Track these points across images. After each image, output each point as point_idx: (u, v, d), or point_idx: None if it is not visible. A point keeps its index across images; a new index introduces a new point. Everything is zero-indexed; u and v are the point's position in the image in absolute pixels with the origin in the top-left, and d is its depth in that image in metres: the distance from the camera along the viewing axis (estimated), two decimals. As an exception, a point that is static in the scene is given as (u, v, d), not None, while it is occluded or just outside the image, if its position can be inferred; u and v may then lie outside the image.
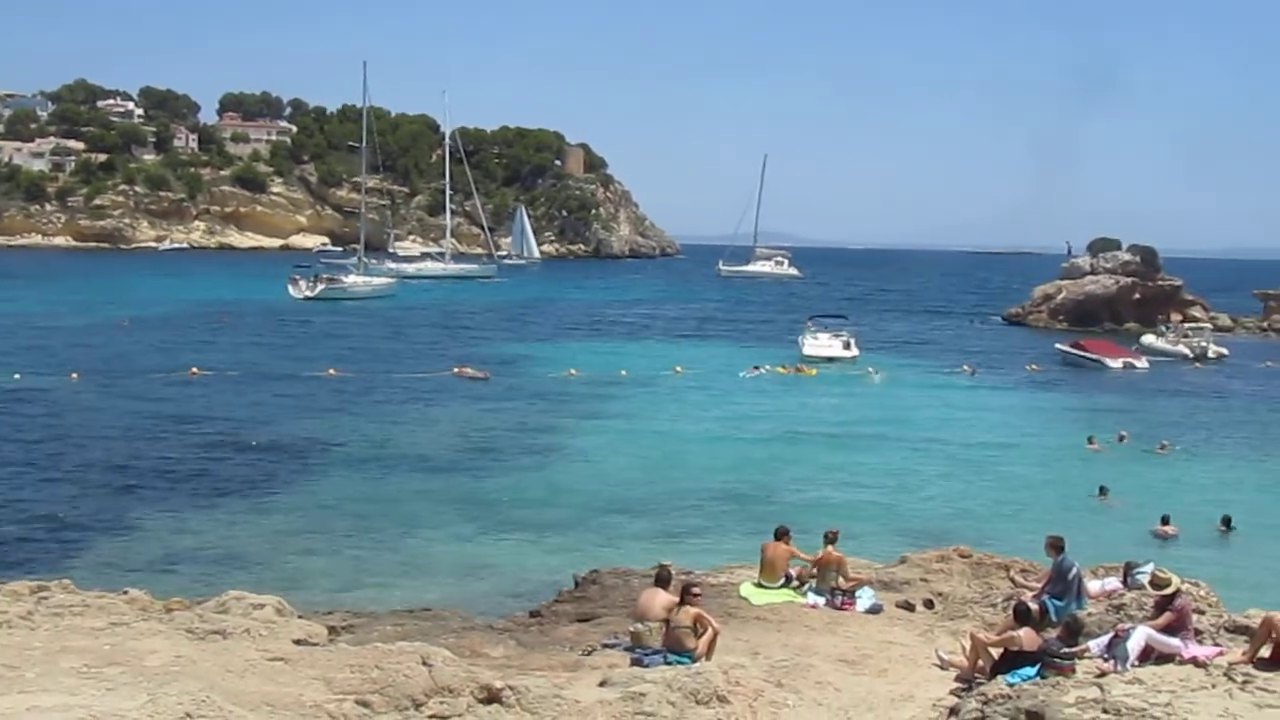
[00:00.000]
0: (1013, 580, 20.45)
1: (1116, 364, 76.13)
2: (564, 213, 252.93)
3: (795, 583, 20.12)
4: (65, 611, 15.12)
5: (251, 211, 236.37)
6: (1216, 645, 14.66)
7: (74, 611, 15.19)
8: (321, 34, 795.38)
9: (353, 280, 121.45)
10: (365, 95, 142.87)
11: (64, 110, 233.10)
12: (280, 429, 44.93)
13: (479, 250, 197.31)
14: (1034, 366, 74.40)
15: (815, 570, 20.02)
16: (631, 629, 16.67)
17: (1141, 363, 77.78)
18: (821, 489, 37.79)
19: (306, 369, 61.86)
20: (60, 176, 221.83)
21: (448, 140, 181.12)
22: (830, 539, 20.09)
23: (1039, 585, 18.60)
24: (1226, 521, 33.40)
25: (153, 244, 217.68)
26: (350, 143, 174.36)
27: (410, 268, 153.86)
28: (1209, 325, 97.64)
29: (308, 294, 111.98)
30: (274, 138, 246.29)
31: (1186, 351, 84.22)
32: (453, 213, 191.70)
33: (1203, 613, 16.19)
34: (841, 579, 19.64)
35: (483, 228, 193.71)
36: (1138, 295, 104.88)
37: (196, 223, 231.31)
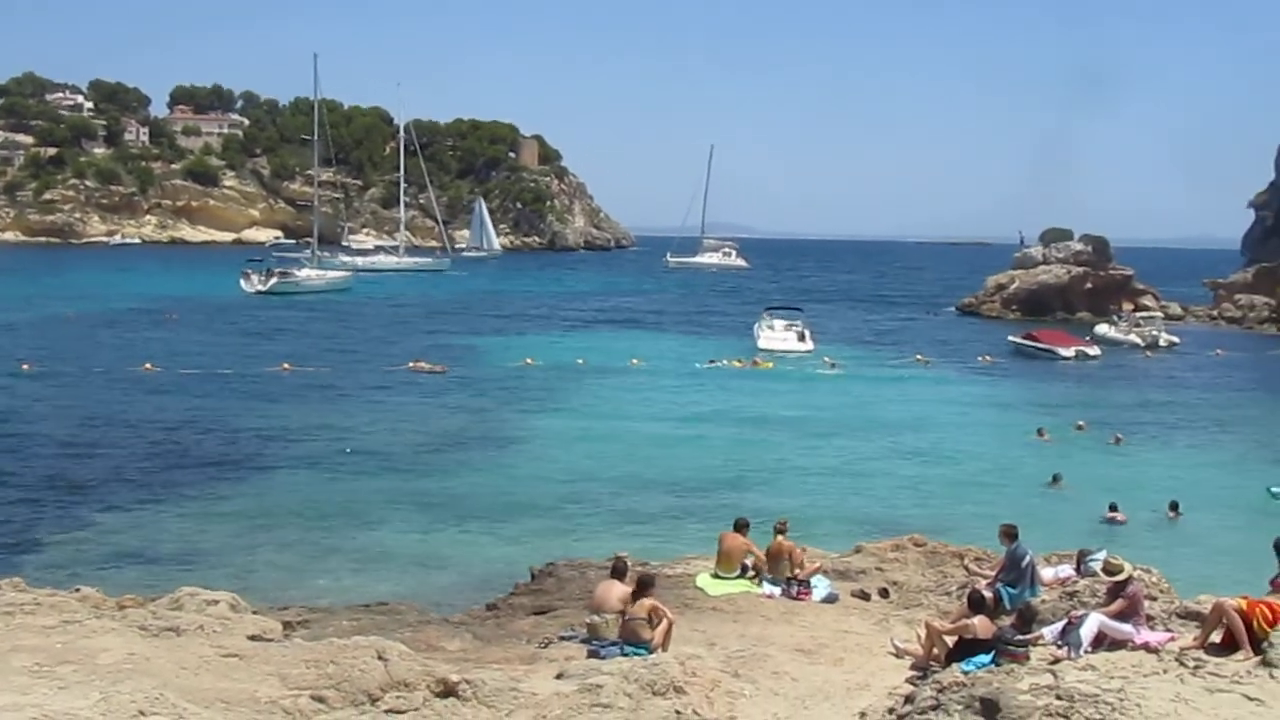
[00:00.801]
0: (967, 568, 20.56)
1: (1068, 353, 76.71)
2: (518, 205, 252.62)
3: (751, 573, 20.17)
4: (16, 610, 14.97)
5: (204, 205, 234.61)
6: (1168, 631, 14.79)
7: (25, 610, 15.03)
8: (274, 27, 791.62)
9: (306, 274, 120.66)
10: (316, 88, 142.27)
11: (12, 104, 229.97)
12: (234, 425, 44.61)
13: (433, 243, 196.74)
14: (987, 357, 74.77)
15: (767, 561, 20.10)
16: (588, 621, 16.69)
17: (1093, 351, 78.46)
18: (777, 480, 37.89)
19: (260, 364, 61.44)
20: (9, 171, 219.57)
21: (401, 133, 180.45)
22: (780, 529, 20.18)
23: (993, 573, 18.70)
24: (1174, 506, 33.74)
25: (104, 239, 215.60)
26: (303, 136, 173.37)
27: (363, 261, 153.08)
28: (1160, 314, 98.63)
29: (260, 288, 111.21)
30: (226, 131, 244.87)
31: (1138, 340, 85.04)
32: (407, 205, 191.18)
33: (1154, 599, 16.33)
34: (795, 569, 19.70)
35: (437, 220, 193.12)
36: (1089, 285, 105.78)
37: (148, 217, 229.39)
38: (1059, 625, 14.95)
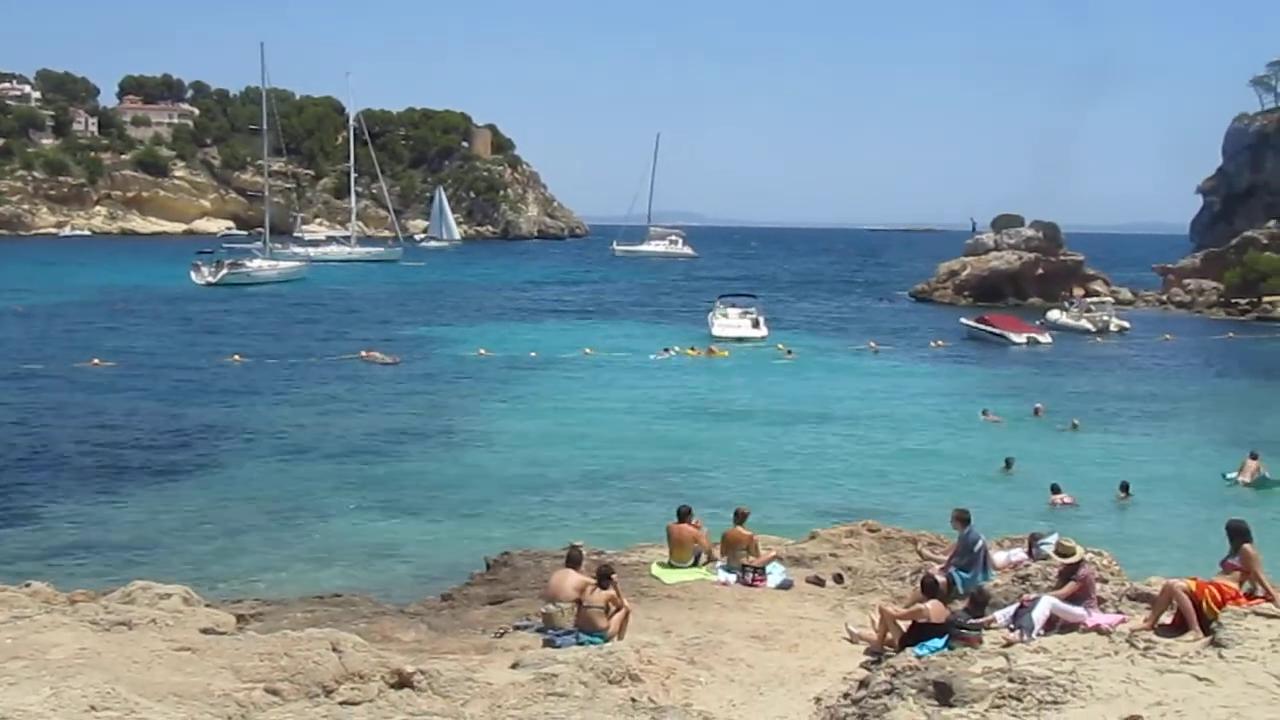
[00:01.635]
0: (920, 554, 20.69)
1: (1020, 339, 77.19)
2: (472, 194, 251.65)
3: (704, 559, 20.23)
4: (-35, 606, 14.82)
5: (154, 196, 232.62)
6: (1119, 613, 14.92)
7: (-26, 606, 14.88)
8: (224, 16, 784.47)
9: (257, 265, 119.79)
10: (264, 77, 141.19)
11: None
12: (185, 417, 44.29)
13: (386, 233, 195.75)
14: (939, 342, 75.13)
15: (721, 548, 20.16)
16: (543, 610, 16.69)
17: (1045, 337, 79.02)
18: (732, 467, 37.94)
19: (210, 356, 61.00)
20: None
21: (352, 122, 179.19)
22: (740, 517, 20.22)
23: (946, 558, 18.84)
24: (1125, 488, 33.93)
25: (53, 230, 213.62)
26: (251, 126, 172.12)
27: (315, 252, 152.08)
28: (1110, 300, 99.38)
29: (210, 280, 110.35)
30: (176, 121, 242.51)
31: (1089, 326, 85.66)
32: (359, 195, 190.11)
33: (1105, 581, 16.47)
34: (751, 556, 19.77)
35: (389, 210, 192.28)
36: (1041, 271, 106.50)
37: (98, 208, 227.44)
38: (1011, 609, 15.07)
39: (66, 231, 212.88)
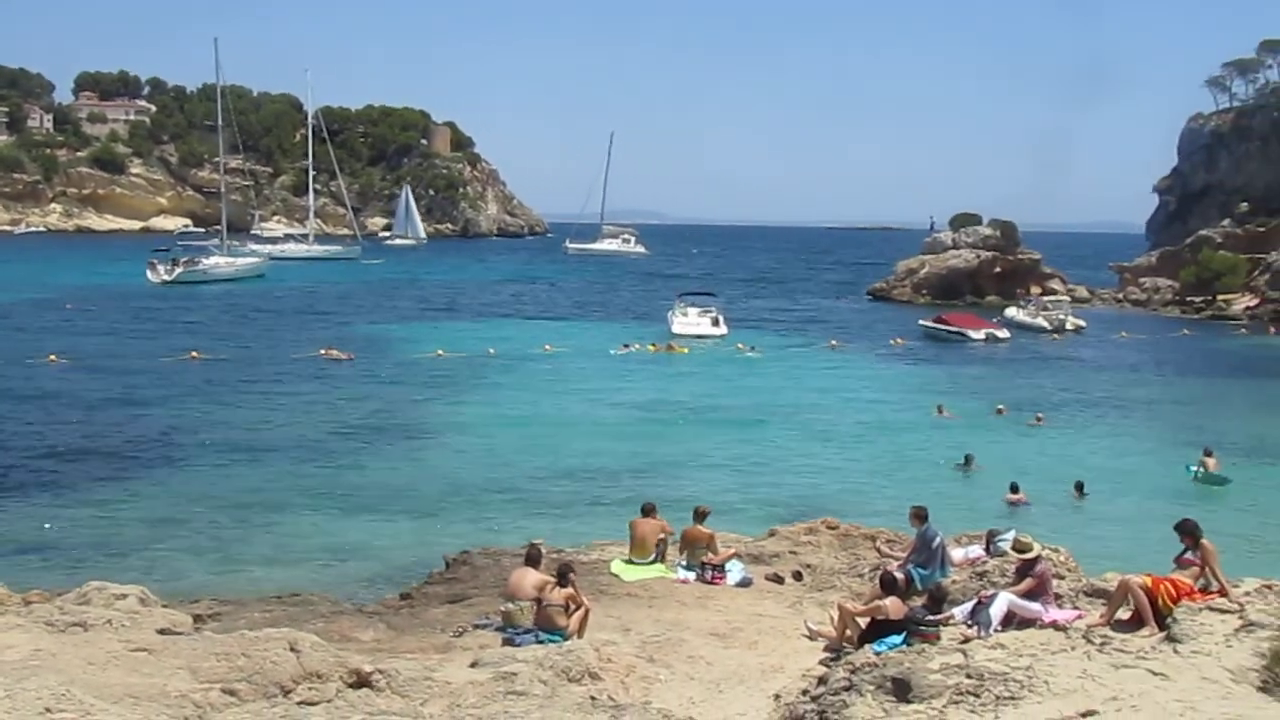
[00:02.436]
0: (879, 550, 20.79)
1: (979, 334, 77.75)
2: (431, 192, 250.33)
3: (664, 553, 20.27)
4: (-83, 607, 14.67)
5: (110, 193, 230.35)
6: (1076, 609, 15.04)
7: (-74, 607, 14.74)
8: (181, 13, 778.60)
9: (214, 262, 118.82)
10: (219, 73, 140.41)
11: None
12: (141, 415, 43.96)
13: (344, 231, 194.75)
14: (898, 340, 75.53)
15: (681, 545, 20.20)
16: (503, 609, 16.67)
17: (1003, 333, 79.59)
18: (691, 465, 37.96)
19: (166, 354, 60.52)
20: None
21: (310, 120, 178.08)
22: (699, 515, 20.24)
23: (904, 555, 18.92)
24: (1079, 487, 34.21)
25: (7, 228, 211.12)
26: (209, 122, 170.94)
27: (273, 249, 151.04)
28: (1067, 298, 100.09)
29: (166, 278, 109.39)
30: (132, 118, 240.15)
31: (1045, 324, 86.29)
32: (317, 193, 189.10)
33: (1062, 578, 16.59)
34: (711, 554, 19.80)
35: (347, 208, 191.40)
36: (998, 269, 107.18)
37: (53, 205, 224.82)
38: (969, 605, 15.16)
39: (21, 229, 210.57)
